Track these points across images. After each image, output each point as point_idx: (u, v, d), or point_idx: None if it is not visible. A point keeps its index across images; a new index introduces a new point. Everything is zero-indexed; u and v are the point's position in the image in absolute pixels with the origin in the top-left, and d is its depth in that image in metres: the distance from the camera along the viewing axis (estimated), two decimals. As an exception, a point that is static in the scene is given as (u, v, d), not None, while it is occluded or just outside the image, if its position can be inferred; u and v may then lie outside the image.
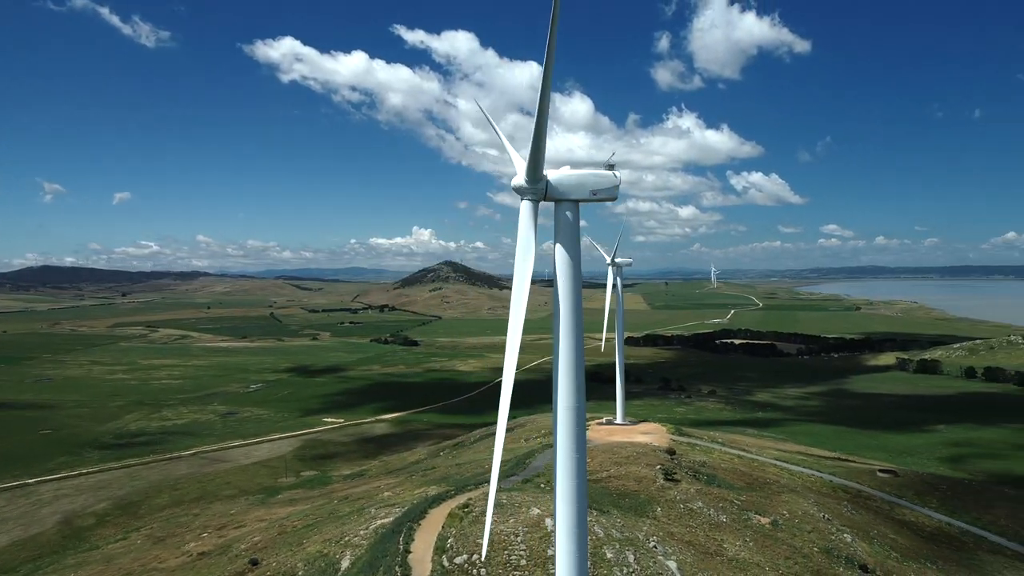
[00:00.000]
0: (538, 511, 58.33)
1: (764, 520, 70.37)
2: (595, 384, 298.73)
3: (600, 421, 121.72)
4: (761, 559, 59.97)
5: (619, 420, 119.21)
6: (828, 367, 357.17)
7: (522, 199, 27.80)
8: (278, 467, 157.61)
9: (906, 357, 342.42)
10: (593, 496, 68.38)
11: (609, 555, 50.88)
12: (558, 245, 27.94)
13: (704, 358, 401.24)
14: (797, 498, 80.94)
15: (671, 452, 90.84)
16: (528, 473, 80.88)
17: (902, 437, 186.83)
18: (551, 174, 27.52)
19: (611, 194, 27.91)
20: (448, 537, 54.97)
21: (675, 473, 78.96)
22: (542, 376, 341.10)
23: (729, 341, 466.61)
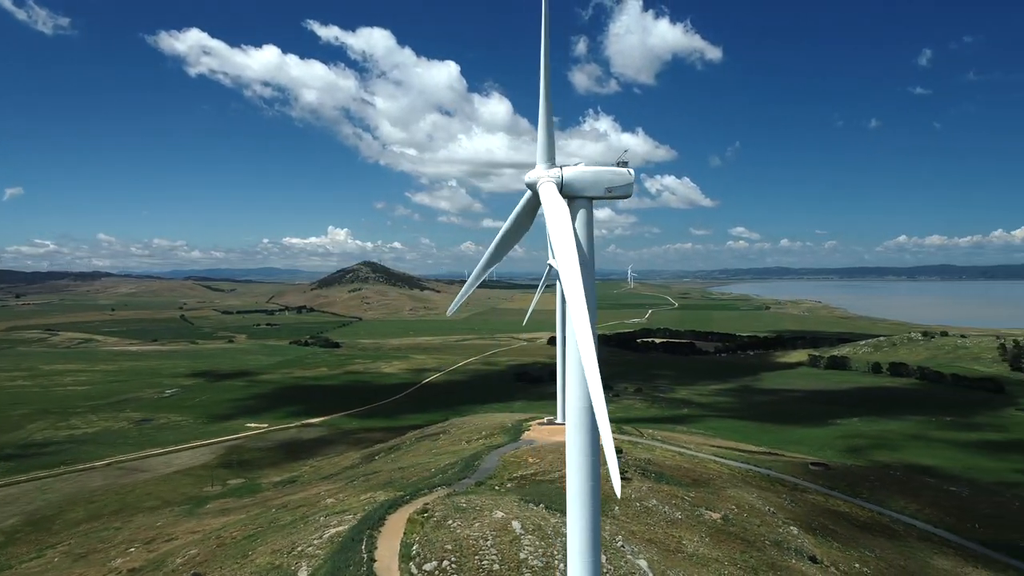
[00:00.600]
0: (502, 514, 57.46)
1: (715, 516, 71.66)
2: (522, 384, 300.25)
3: (540, 421, 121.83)
4: (719, 554, 60.92)
5: (560, 419, 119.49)
6: (745, 364, 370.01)
7: (540, 185, 26.86)
8: (202, 476, 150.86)
9: (817, 354, 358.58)
10: (551, 496, 68.05)
11: (581, 556, 50.52)
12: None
13: (627, 357, 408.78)
14: (742, 493, 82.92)
15: (617, 451, 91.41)
16: (479, 475, 79.81)
17: (818, 430, 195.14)
18: (566, 171, 26.76)
19: (626, 191, 27.34)
20: (412, 544, 53.38)
21: (626, 472, 79.54)
22: (464, 377, 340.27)
23: (650, 340, 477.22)
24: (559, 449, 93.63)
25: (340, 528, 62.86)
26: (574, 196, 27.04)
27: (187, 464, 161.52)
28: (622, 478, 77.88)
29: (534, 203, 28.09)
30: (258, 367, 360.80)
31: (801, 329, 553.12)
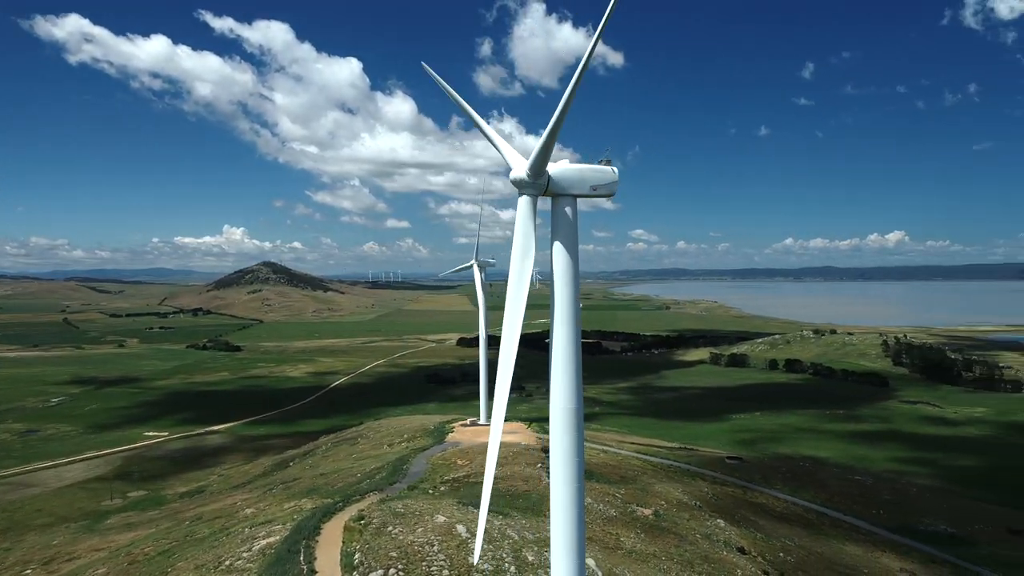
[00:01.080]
0: (444, 518, 56.41)
1: (647, 512, 72.92)
2: (434, 386, 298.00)
3: (464, 423, 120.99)
4: (656, 550, 61.97)
5: (483, 421, 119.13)
6: (650, 362, 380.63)
7: (520, 194, 26.36)
8: (98, 489, 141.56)
9: (717, 352, 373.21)
10: (491, 498, 67.43)
11: (530, 558, 50.18)
12: (556, 243, 26.75)
13: (538, 357, 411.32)
14: (668, 488, 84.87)
15: (546, 450, 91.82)
16: (410, 479, 78.26)
17: (724, 425, 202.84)
18: (551, 168, 26.30)
19: (610, 189, 27.17)
20: (353, 553, 51.55)
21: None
22: (374, 380, 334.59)
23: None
24: (486, 450, 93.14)
25: (271, 539, 60.11)
26: (560, 194, 26.66)
27: (80, 477, 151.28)
28: (554, 478, 78.34)
29: (533, 203, 27.27)
30: (153, 372, 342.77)
31: (701, 328, 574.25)
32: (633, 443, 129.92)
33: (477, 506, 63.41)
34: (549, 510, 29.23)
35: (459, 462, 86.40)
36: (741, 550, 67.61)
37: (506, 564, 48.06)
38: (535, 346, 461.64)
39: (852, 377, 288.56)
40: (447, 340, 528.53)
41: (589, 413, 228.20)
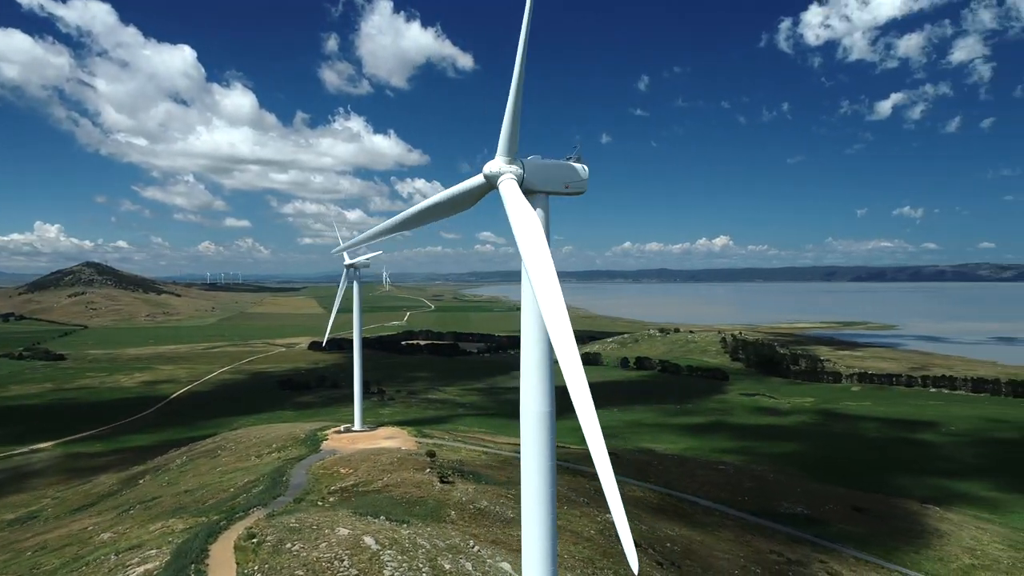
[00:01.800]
0: (347, 531, 53.70)
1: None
2: (289, 392, 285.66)
3: (337, 429, 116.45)
4: (559, 549, 62.34)
5: (358, 427, 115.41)
6: (509, 362, 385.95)
7: (501, 181, 25.24)
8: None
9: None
10: (383, 506, 65.16)
11: (447, 566, 48.73)
12: (528, 243, 25.88)
13: (393, 360, 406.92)
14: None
15: (431, 454, 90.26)
16: (293, 492, 74.01)
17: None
18: (527, 165, 25.40)
19: (581, 187, 26.67)
20: (253, 574, 47.92)
21: (448, 475, 78.60)
22: (222, 388, 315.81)
23: (414, 342, 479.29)
24: (369, 457, 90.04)
25: (147, 566, 54.56)
26: (533, 191, 25.81)
27: None
28: (445, 481, 76.92)
29: (482, 190, 26.25)
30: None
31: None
32: (505, 443, 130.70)
33: (377, 516, 61.19)
34: (520, 524, 28.21)
35: (343, 471, 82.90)
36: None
37: (423, 574, 46.40)
38: (387, 348, 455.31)
39: (697, 372, 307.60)
40: (297, 344, 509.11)
41: (453, 414, 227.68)
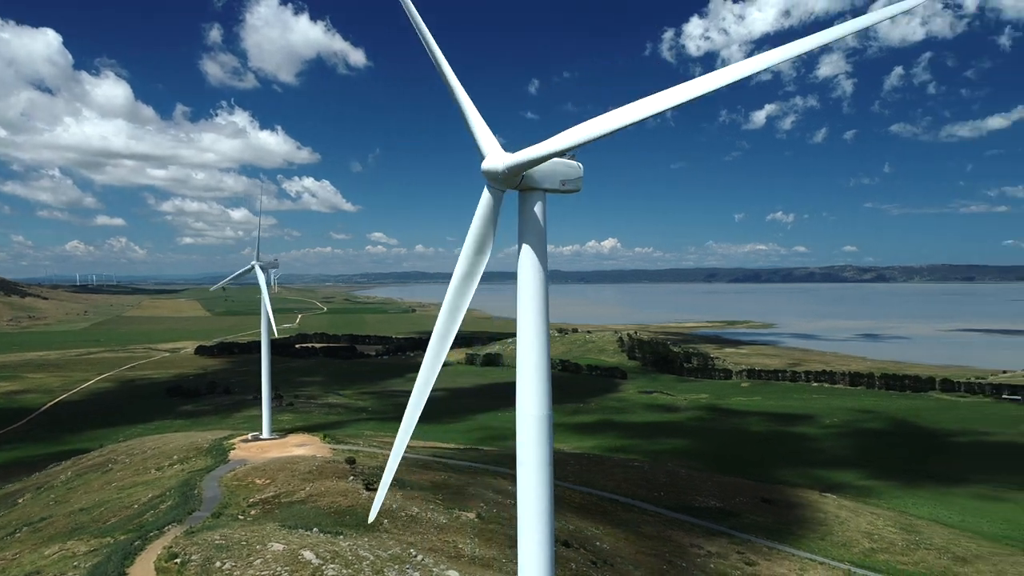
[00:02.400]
0: (281, 545, 50.92)
1: (471, 515, 72.27)
2: (178, 399, 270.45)
3: (245, 438, 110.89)
4: (495, 553, 61.61)
5: (266, 435, 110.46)
6: (408, 365, 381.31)
7: (490, 188, 24.31)
8: None
9: (472, 352, 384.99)
10: (312, 518, 62.39)
11: (395, 578, 47.01)
12: (525, 244, 25.05)
13: (288, 364, 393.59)
14: (479, 489, 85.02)
15: (351, 461, 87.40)
16: (209, 506, 69.62)
17: (493, 421, 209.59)
18: (520, 158, 24.49)
19: (577, 185, 26.01)
20: (182, 598, 44.61)
21: (374, 482, 76.25)
22: (103, 396, 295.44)
23: (309, 345, 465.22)
24: (285, 466, 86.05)
25: (57, 595, 49.96)
26: (532, 188, 24.99)
27: None
28: (371, 489, 74.55)
29: (498, 198, 25.23)
30: None
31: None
32: (420, 446, 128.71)
33: (308, 528, 58.42)
34: (518, 530, 27.28)
35: (258, 482, 78.86)
36: (566, 543, 69.69)
37: (372, 588, 44.55)
38: (280, 352, 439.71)
39: (596, 371, 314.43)
40: (183, 349, 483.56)
41: (348, 419, 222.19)
